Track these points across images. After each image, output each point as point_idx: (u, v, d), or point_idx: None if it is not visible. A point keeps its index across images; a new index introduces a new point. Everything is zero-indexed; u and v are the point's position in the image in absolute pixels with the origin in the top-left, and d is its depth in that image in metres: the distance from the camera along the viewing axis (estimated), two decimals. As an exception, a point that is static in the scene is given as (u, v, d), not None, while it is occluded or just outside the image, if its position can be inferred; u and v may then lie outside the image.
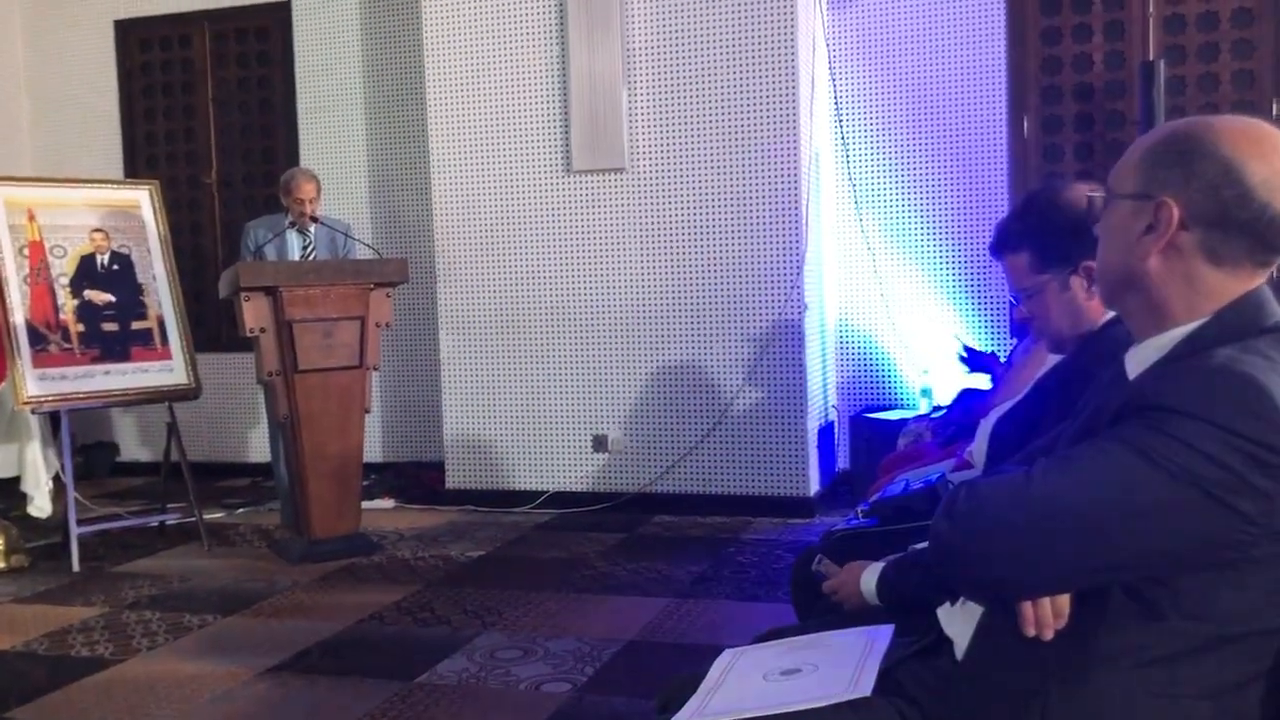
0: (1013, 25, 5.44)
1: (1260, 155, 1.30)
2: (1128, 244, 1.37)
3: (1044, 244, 1.90)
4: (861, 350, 5.79)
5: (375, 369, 4.93)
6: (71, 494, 4.91)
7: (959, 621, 1.50)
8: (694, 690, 1.60)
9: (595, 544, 4.93)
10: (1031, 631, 1.33)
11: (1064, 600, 1.33)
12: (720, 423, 5.37)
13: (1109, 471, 1.23)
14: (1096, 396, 1.44)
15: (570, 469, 5.62)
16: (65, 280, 5.11)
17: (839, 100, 5.67)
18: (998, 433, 1.97)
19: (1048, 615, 1.33)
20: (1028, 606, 1.33)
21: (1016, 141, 5.48)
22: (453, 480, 5.81)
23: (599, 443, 5.56)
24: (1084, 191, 1.89)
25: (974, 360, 3.89)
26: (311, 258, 5.22)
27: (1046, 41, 5.43)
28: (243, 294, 4.60)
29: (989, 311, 5.51)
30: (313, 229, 5.26)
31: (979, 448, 2.03)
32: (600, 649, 3.57)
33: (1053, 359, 2.02)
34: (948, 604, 1.55)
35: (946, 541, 1.32)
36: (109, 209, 5.34)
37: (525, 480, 5.68)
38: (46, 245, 5.10)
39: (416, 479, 6.17)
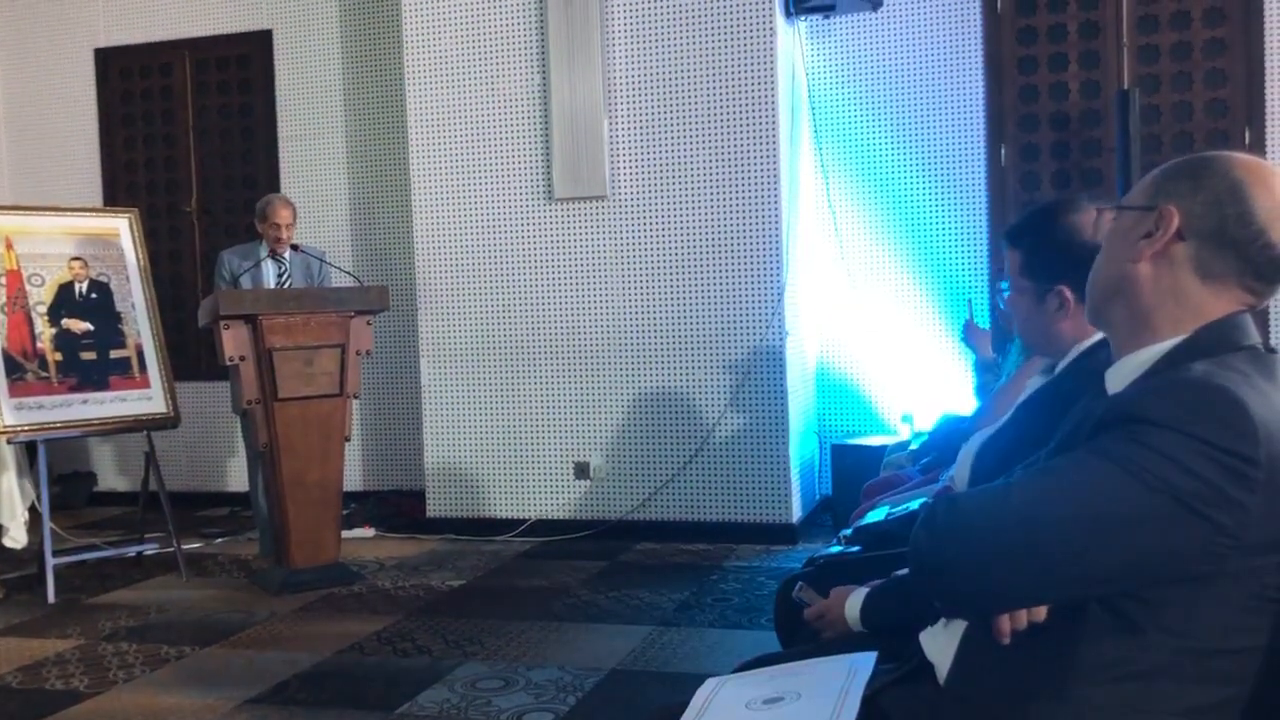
0: (990, 54, 5.50)
1: (1269, 188, 1.34)
2: (1125, 248, 1.40)
3: (1036, 252, 1.94)
4: (842, 377, 5.81)
5: (356, 397, 4.91)
6: (47, 524, 4.86)
7: (941, 646, 1.50)
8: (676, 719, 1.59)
9: (577, 572, 4.91)
10: (1006, 641, 1.34)
11: (1040, 611, 1.34)
12: (702, 449, 5.37)
13: (1087, 483, 1.24)
14: (1076, 414, 1.45)
15: (552, 497, 5.60)
16: (43, 309, 5.08)
17: (819, 128, 5.71)
18: (981, 457, 1.98)
19: (1023, 623, 1.34)
20: (1004, 618, 1.34)
21: (994, 169, 5.53)
22: (433, 509, 5.78)
23: (581, 470, 5.55)
24: (1092, 213, 1.91)
25: (968, 335, 3.83)
26: (287, 285, 5.21)
27: (1023, 70, 5.49)
28: (222, 322, 4.57)
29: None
30: (288, 256, 5.25)
31: (961, 472, 2.03)
32: (582, 678, 3.55)
33: (1034, 383, 2.03)
34: (930, 628, 1.55)
35: (926, 554, 1.33)
36: (88, 237, 5.32)
37: (506, 508, 5.66)
38: (24, 273, 5.07)
39: (397, 508, 6.13)
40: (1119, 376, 1.41)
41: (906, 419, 5.42)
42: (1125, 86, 5.18)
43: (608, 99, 5.41)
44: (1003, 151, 5.51)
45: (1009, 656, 1.36)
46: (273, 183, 6.57)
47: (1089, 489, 1.24)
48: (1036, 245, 1.94)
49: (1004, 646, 1.36)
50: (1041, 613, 1.34)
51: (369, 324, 4.90)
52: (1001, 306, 2.12)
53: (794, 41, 5.55)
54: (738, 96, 5.28)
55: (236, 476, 6.56)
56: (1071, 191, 5.38)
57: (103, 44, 6.92)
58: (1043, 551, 1.25)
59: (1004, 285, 2.03)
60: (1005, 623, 1.35)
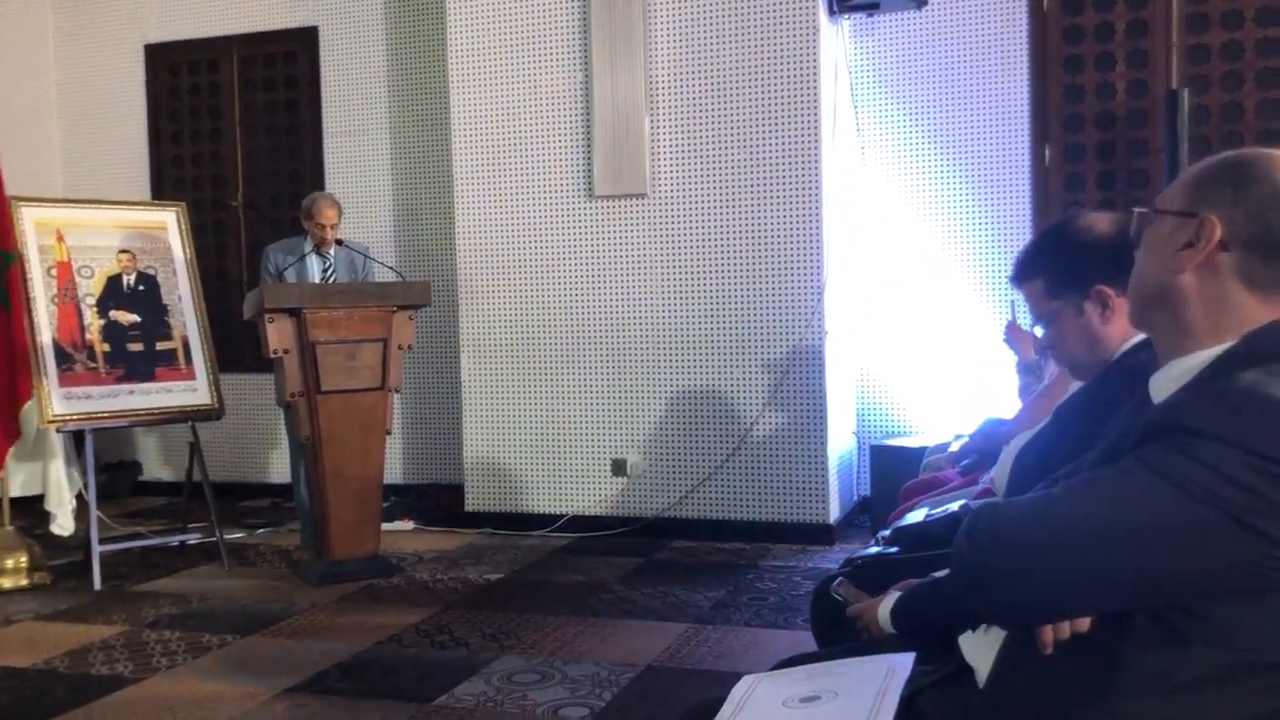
0: (1035, 53, 5.45)
1: None
2: (1165, 258, 1.38)
3: (1056, 270, 1.91)
4: (883, 377, 5.78)
5: (397, 391, 4.95)
6: (94, 513, 4.95)
7: (981, 649, 1.49)
8: (712, 716, 1.59)
9: (613, 568, 4.92)
10: (1050, 651, 1.33)
11: (1084, 620, 1.32)
12: (740, 448, 5.36)
13: (1132, 494, 1.22)
14: (1121, 421, 1.44)
15: (589, 493, 5.62)
16: (92, 300, 5.16)
17: (861, 128, 5.68)
18: (1021, 459, 1.96)
19: (1065, 633, 1.33)
20: (1047, 628, 1.33)
21: (1039, 169, 5.48)
22: (472, 503, 5.82)
23: (618, 467, 5.56)
24: (1100, 218, 1.90)
25: (1010, 336, 3.79)
26: (331, 280, 5.26)
27: (1069, 70, 5.43)
28: (267, 315, 4.63)
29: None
30: (332, 252, 5.31)
31: (1001, 474, 2.02)
32: (618, 674, 3.56)
33: (1076, 384, 2.02)
34: (969, 631, 1.54)
35: (969, 563, 1.32)
36: (136, 230, 5.40)
37: (544, 503, 5.68)
38: (74, 265, 5.16)
39: (436, 501, 6.18)
40: (1164, 383, 1.39)
41: (958, 438, 5.33)
42: (1174, 86, 5.11)
43: (649, 97, 5.42)
44: (1047, 152, 5.46)
45: (1051, 665, 1.34)
46: (317, 178, 6.64)
47: (1133, 501, 1.22)
48: (1056, 262, 1.91)
49: (1046, 655, 1.35)
50: (1085, 623, 1.32)
51: (411, 319, 4.94)
52: (1040, 345, 2.07)
53: (837, 40, 5.52)
54: (780, 95, 5.27)
55: (279, 468, 6.63)
56: (1093, 201, 5.33)
57: (153, 40, 7.02)
58: (1085, 563, 1.23)
59: (1037, 324, 2.00)
60: (1048, 633, 1.33)
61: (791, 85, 5.25)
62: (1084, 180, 5.45)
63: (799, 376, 5.28)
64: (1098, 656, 1.31)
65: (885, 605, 1.88)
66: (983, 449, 3.39)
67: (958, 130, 5.55)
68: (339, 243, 5.31)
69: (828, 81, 5.32)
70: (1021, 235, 5.44)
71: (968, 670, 1.51)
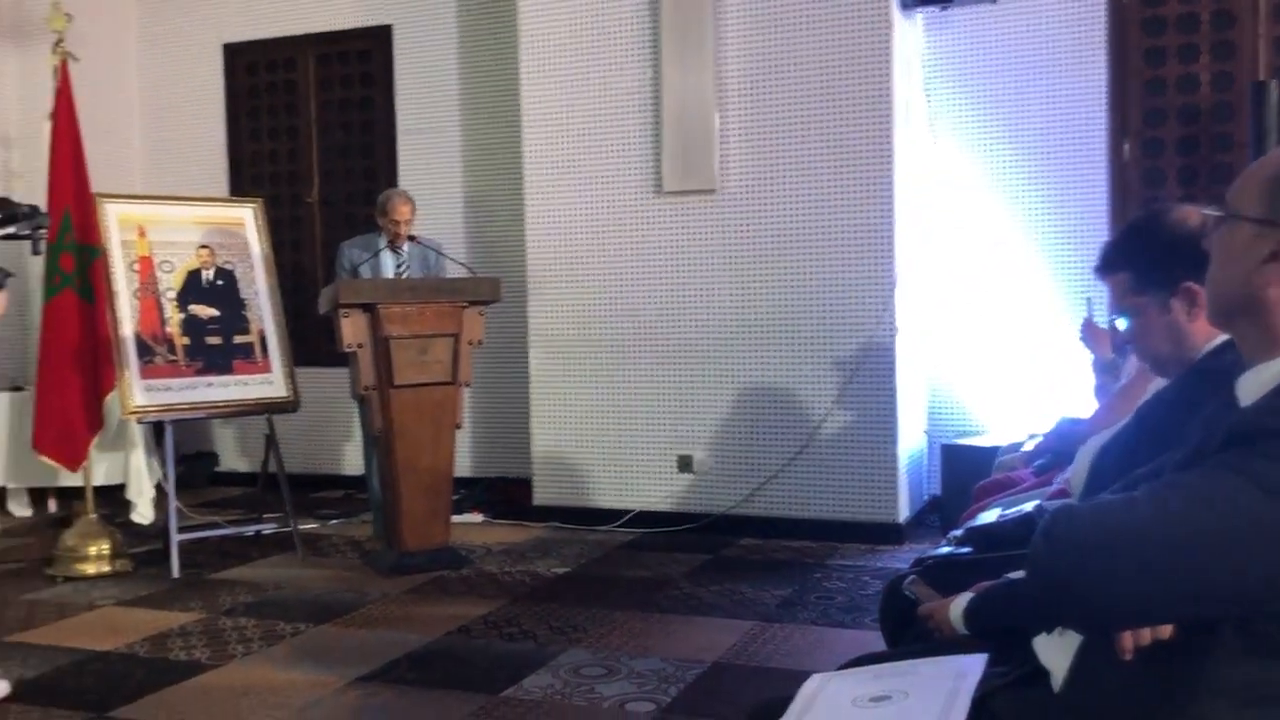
0: (1114, 46, 5.33)
1: None
2: (1246, 269, 1.33)
3: (1144, 264, 1.87)
4: (954, 375, 5.70)
5: (467, 385, 5.00)
6: (173, 502, 5.06)
7: (1056, 652, 1.47)
8: (781, 714, 1.58)
9: (680, 564, 4.92)
10: (1129, 657, 1.30)
11: (1165, 627, 1.29)
12: (808, 446, 5.33)
13: (1216, 498, 1.19)
14: (1204, 423, 1.40)
15: (656, 489, 5.62)
16: (172, 294, 5.28)
17: (934, 123, 5.60)
18: (1099, 460, 1.93)
19: (1146, 639, 1.29)
20: (1127, 634, 1.30)
21: (1117, 165, 5.36)
22: (540, 497, 5.86)
23: (685, 463, 5.55)
24: (1192, 213, 1.85)
25: (1087, 335, 3.70)
26: (405, 276, 5.33)
27: (1150, 62, 5.31)
28: (341, 310, 4.70)
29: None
30: (406, 248, 5.37)
31: (1077, 474, 1.98)
32: (684, 670, 3.56)
33: (1156, 384, 1.97)
34: (1044, 634, 1.52)
35: (1045, 566, 1.28)
36: (215, 226, 5.51)
37: (611, 498, 5.70)
38: (155, 260, 5.28)
39: (504, 494, 6.23)
40: (1252, 386, 1.34)
41: (1032, 437, 5.25)
42: (1261, 78, 4.97)
43: (719, 92, 5.40)
44: (1126, 147, 5.34)
45: (1131, 671, 1.32)
46: (391, 175, 6.72)
47: (1218, 504, 1.18)
48: (1145, 256, 1.87)
49: (1126, 661, 1.32)
50: (1166, 630, 1.29)
51: (481, 315, 4.99)
52: (1122, 339, 2.02)
53: (910, 34, 5.45)
54: (851, 90, 5.21)
55: (352, 460, 6.73)
56: (1174, 197, 5.18)
57: (231, 40, 7.16)
58: (1167, 568, 1.20)
59: (1120, 317, 1.96)
60: (1128, 639, 1.30)
61: (863, 80, 5.20)
62: (1164, 176, 5.32)
63: (869, 374, 5.23)
64: (1180, 664, 1.28)
65: (957, 605, 1.86)
66: (1057, 449, 3.33)
67: (1033, 125, 5.45)
68: (412, 239, 5.37)
69: (900, 76, 5.26)
70: (1099, 232, 5.33)
71: (1042, 673, 1.49)
